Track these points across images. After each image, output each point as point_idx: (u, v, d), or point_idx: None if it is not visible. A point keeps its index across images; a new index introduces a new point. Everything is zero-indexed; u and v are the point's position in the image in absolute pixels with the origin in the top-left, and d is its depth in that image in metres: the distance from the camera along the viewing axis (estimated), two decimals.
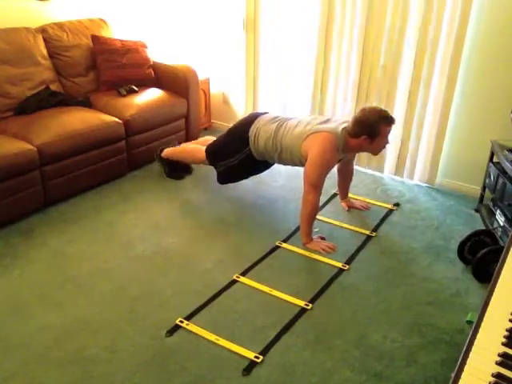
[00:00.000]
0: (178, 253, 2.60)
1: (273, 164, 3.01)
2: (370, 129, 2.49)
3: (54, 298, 2.23)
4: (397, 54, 3.20)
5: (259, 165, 2.96)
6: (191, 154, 3.20)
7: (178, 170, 3.39)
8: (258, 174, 3.13)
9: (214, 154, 2.98)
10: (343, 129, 2.55)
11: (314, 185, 2.55)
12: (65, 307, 2.18)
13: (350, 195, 3.12)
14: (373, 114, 2.49)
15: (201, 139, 3.48)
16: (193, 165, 3.46)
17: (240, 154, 2.84)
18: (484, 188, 3.00)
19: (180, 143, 3.45)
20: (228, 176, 3.00)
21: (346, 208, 3.04)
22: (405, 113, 3.30)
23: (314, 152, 2.53)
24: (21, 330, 2.04)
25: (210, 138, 3.26)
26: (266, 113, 2.93)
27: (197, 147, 3.19)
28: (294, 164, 2.76)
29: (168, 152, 3.31)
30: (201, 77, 3.90)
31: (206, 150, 3.01)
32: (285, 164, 2.83)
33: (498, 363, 1.06)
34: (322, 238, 2.72)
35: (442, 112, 3.14)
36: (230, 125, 4.17)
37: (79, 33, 3.55)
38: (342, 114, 3.53)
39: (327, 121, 2.68)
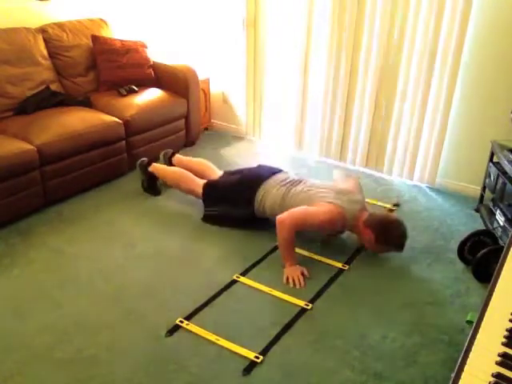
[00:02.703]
0: (178, 253, 2.60)
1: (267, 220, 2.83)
2: (383, 239, 2.46)
3: (54, 298, 2.23)
4: (397, 55, 3.20)
5: (254, 220, 2.80)
6: (184, 183, 2.97)
7: (157, 186, 3.18)
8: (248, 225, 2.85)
9: (212, 196, 2.85)
10: (355, 210, 2.50)
11: (301, 219, 2.41)
12: (65, 307, 2.18)
13: None
14: (395, 236, 2.48)
15: (195, 160, 3.21)
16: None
17: (242, 209, 2.73)
18: (484, 188, 3.00)
19: (174, 153, 3.28)
20: (218, 221, 2.84)
21: None
22: (405, 113, 3.30)
23: (320, 207, 2.43)
24: (21, 330, 2.04)
25: (204, 163, 3.12)
26: (277, 171, 2.83)
27: (191, 178, 2.96)
28: None
29: (157, 170, 3.10)
30: (201, 77, 3.89)
31: (205, 189, 2.86)
32: None
33: (498, 363, 1.06)
34: (302, 274, 2.43)
35: (442, 112, 3.14)
36: (231, 125, 4.20)
37: (79, 33, 3.55)
38: (341, 112, 3.53)
39: (341, 193, 2.57)
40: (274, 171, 2.84)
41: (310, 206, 2.48)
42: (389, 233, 2.47)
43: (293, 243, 2.45)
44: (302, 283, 2.37)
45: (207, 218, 2.88)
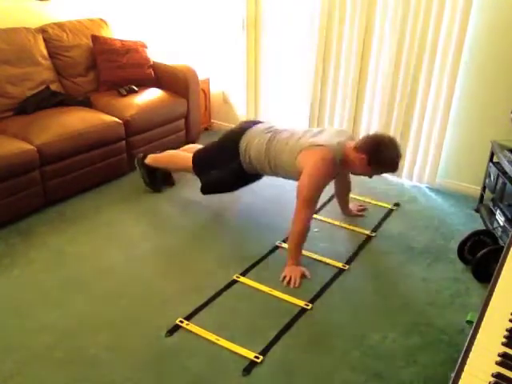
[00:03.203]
0: (178, 253, 2.60)
1: (261, 177, 2.89)
2: (376, 160, 2.40)
3: (54, 298, 2.23)
4: (396, 54, 3.20)
5: (248, 177, 2.83)
6: (176, 161, 3.05)
7: (158, 180, 3.20)
8: (245, 186, 2.91)
9: (201, 164, 2.86)
10: (338, 143, 2.44)
11: (308, 200, 2.37)
12: (65, 307, 2.18)
13: (350, 195, 3.11)
14: (388, 155, 2.40)
15: (186, 147, 3.29)
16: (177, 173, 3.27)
17: (229, 165, 2.71)
18: (484, 188, 3.00)
19: (145, 156, 3.25)
20: (214, 187, 2.87)
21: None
22: (405, 113, 3.30)
23: (308, 167, 2.38)
24: (21, 330, 2.04)
25: (195, 146, 3.16)
26: (257, 122, 2.80)
27: (181, 154, 3.03)
28: (290, 178, 2.61)
29: (151, 158, 3.13)
30: (201, 77, 3.89)
31: (193, 159, 2.87)
32: (279, 177, 2.68)
33: (498, 363, 1.06)
34: (304, 276, 2.43)
35: (442, 112, 3.14)
36: (231, 125, 4.21)
37: (79, 33, 3.55)
38: (341, 110, 3.53)
39: (321, 132, 2.56)
40: (255, 122, 2.80)
41: (304, 163, 2.41)
42: (381, 152, 2.39)
43: (305, 238, 2.42)
44: (297, 284, 2.35)
45: (204, 189, 2.87)
